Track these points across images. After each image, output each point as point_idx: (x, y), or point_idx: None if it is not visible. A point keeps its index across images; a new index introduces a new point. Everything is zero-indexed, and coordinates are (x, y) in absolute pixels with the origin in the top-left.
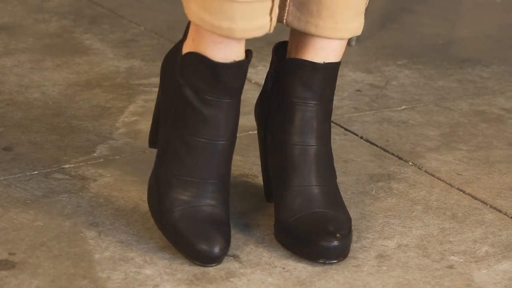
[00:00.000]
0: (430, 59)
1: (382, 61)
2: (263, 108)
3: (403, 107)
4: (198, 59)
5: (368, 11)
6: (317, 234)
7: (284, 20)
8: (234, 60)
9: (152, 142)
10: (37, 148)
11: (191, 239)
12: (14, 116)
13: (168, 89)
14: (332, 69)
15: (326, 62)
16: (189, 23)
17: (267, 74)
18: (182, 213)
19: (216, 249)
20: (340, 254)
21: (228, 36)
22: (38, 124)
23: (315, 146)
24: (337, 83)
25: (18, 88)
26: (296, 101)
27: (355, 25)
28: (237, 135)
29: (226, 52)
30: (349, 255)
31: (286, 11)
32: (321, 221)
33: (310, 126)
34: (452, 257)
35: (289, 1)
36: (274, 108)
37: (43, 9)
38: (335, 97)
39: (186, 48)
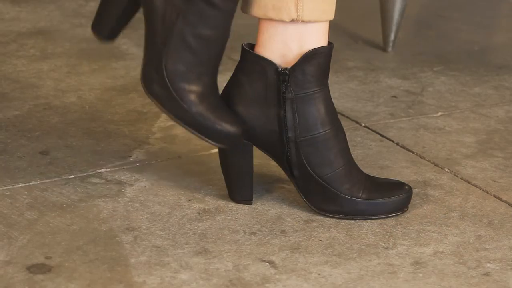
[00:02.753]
0: (466, 66)
1: (418, 68)
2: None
3: (439, 113)
4: None
5: (404, 18)
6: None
7: (297, 14)
8: None
9: (104, 29)
10: (73, 152)
11: (221, 124)
12: (51, 120)
13: None
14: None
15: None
16: None
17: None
18: (204, 103)
19: (239, 130)
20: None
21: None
22: (74, 129)
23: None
24: (373, 89)
25: (55, 92)
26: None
27: None
28: None
29: None
30: (385, 261)
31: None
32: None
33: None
34: (488, 265)
35: None
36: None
37: (80, 13)
38: (371, 103)
39: None
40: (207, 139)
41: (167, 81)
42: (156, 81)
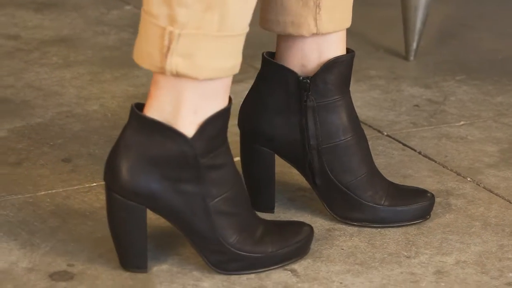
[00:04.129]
0: (489, 75)
1: (440, 77)
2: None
3: (462, 122)
4: (217, 118)
5: (427, 27)
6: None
7: (316, 28)
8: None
9: (141, 262)
10: (95, 160)
11: (295, 238)
12: (73, 128)
13: (179, 184)
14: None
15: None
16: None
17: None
18: (269, 240)
19: (307, 224)
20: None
21: (234, 72)
22: (96, 136)
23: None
24: (395, 98)
25: (77, 100)
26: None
27: None
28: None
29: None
30: (407, 270)
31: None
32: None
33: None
34: (510, 274)
35: (321, 9)
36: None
37: (102, 22)
38: (393, 112)
39: (188, 127)
40: (300, 257)
41: (237, 252)
42: (228, 261)
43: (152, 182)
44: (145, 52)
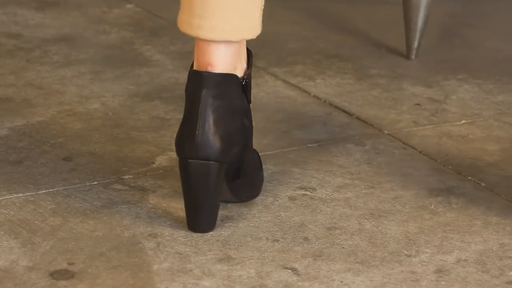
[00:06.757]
0: (490, 74)
1: (441, 75)
2: None
3: (463, 121)
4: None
5: (428, 26)
6: None
7: None
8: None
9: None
10: (96, 159)
11: None
12: (74, 127)
13: None
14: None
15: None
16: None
17: None
18: None
19: None
20: None
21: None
22: (97, 135)
23: None
24: (396, 97)
25: (78, 98)
26: None
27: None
28: (296, 148)
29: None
30: (408, 269)
31: None
32: None
33: None
34: (511, 273)
35: None
36: None
37: (104, 20)
38: (394, 111)
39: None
40: None
41: None
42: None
43: None
44: None
